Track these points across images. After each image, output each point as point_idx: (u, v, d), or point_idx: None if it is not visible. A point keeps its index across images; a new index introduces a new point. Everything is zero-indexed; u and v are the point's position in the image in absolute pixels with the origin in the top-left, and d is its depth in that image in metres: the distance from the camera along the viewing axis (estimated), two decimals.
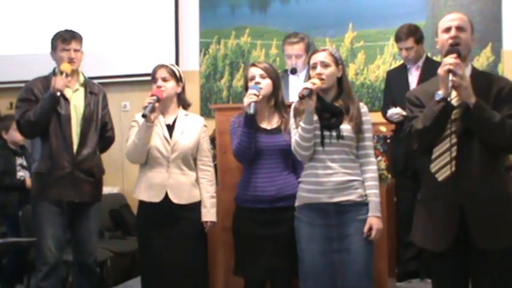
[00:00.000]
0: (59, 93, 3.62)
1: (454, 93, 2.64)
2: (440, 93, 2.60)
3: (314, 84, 2.96)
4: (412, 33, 4.34)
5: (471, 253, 2.69)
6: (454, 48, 2.70)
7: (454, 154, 2.65)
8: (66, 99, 3.72)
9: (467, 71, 2.74)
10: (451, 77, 2.56)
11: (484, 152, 2.67)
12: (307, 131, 2.99)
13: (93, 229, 3.83)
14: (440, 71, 2.61)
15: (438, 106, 2.62)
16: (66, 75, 3.65)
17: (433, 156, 2.70)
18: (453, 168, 2.65)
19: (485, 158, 2.67)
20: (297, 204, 3.12)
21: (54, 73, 3.78)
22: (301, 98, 2.92)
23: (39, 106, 3.64)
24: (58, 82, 3.60)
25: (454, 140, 2.65)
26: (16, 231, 4.82)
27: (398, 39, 4.39)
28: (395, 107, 4.34)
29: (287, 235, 3.17)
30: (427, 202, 2.78)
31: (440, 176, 2.68)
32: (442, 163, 2.68)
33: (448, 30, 2.77)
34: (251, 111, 3.13)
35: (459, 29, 2.76)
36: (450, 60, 2.61)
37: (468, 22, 2.81)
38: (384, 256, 3.56)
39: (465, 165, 2.65)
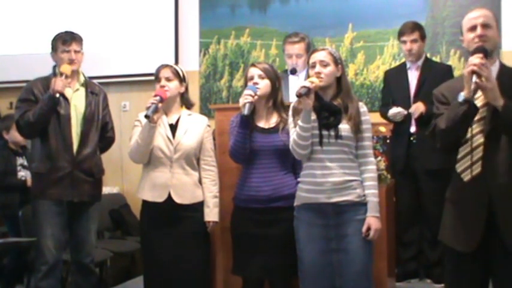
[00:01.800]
0: (58, 95, 3.61)
1: (478, 93, 2.58)
2: (463, 94, 2.54)
3: (312, 83, 2.96)
4: (417, 28, 4.36)
5: (496, 253, 2.64)
6: (481, 47, 2.61)
7: (480, 155, 2.60)
8: (66, 99, 3.72)
9: (495, 68, 2.68)
10: (474, 78, 2.49)
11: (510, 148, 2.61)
12: (305, 130, 2.99)
13: (91, 229, 3.83)
14: (465, 71, 2.53)
15: (461, 108, 2.55)
16: (66, 76, 3.64)
17: (459, 156, 2.66)
18: (479, 169, 2.61)
19: None
20: (295, 204, 3.12)
21: (54, 73, 3.78)
22: (299, 96, 2.92)
23: (39, 107, 3.63)
24: (57, 84, 3.59)
25: (481, 140, 2.61)
26: (17, 231, 4.81)
27: (403, 32, 4.37)
28: (396, 106, 4.34)
29: (284, 235, 3.17)
30: (455, 202, 2.73)
31: (466, 177, 2.64)
32: (468, 163, 2.63)
33: (473, 28, 2.70)
34: (245, 112, 3.13)
35: (485, 26, 2.69)
36: (475, 60, 2.52)
37: (493, 18, 2.73)
38: (383, 256, 3.55)
39: (492, 165, 2.61)
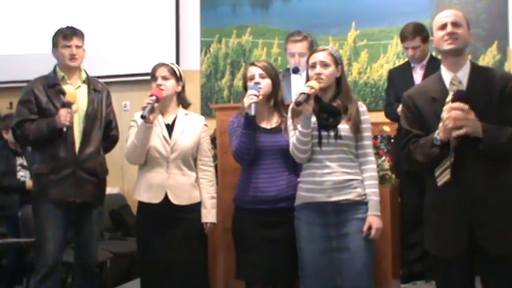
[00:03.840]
0: (64, 129, 3.55)
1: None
2: (438, 138, 2.60)
3: (312, 88, 2.94)
4: (418, 32, 4.31)
5: (482, 257, 2.65)
6: (461, 94, 2.60)
7: (451, 160, 2.61)
8: None
9: (466, 69, 2.70)
10: (454, 134, 2.54)
11: (485, 155, 2.61)
12: (305, 135, 2.99)
13: (94, 232, 3.79)
14: (445, 119, 2.55)
15: (435, 150, 2.62)
16: (72, 105, 3.56)
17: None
18: (448, 176, 2.62)
19: (487, 161, 2.62)
20: (296, 203, 3.11)
21: (54, 71, 3.74)
22: (298, 104, 2.92)
23: (40, 130, 3.59)
24: (64, 118, 3.51)
25: (453, 145, 2.61)
26: (16, 232, 4.80)
27: (404, 38, 4.35)
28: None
29: (289, 236, 3.15)
30: (435, 209, 2.74)
31: (440, 181, 2.66)
32: (442, 168, 2.65)
33: (443, 27, 2.73)
34: (252, 112, 3.09)
35: (455, 24, 2.72)
36: (456, 113, 2.53)
37: (463, 17, 2.76)
38: (388, 257, 3.53)
39: (467, 169, 2.62)
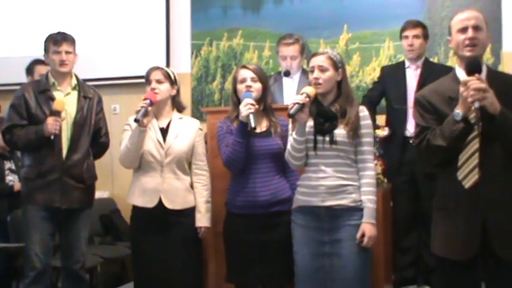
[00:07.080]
0: (52, 137, 3.56)
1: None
2: (460, 112, 2.53)
3: (307, 96, 2.91)
4: (421, 25, 4.36)
5: (489, 261, 2.61)
6: (475, 63, 2.57)
7: (477, 160, 2.57)
8: None
9: (483, 73, 2.63)
10: (477, 104, 2.48)
11: (506, 156, 2.59)
12: (299, 143, 2.97)
13: (82, 235, 3.77)
14: (464, 93, 2.49)
15: (458, 126, 2.55)
16: (60, 113, 3.57)
17: (459, 164, 2.61)
18: (476, 176, 2.57)
19: (508, 163, 2.60)
20: (293, 207, 3.09)
21: (46, 77, 3.74)
22: (291, 117, 2.90)
23: (28, 137, 3.61)
24: (52, 126, 3.53)
25: (477, 146, 2.57)
26: (5, 237, 4.74)
27: (405, 27, 4.36)
28: (390, 107, 4.26)
29: (282, 240, 3.14)
30: (447, 210, 2.68)
31: (467, 183, 2.59)
32: (467, 170, 2.59)
33: (464, 30, 2.67)
34: (252, 124, 3.04)
35: (476, 28, 2.66)
36: (475, 84, 2.47)
37: (483, 20, 2.70)
38: (381, 262, 3.53)
39: (488, 171, 2.57)
